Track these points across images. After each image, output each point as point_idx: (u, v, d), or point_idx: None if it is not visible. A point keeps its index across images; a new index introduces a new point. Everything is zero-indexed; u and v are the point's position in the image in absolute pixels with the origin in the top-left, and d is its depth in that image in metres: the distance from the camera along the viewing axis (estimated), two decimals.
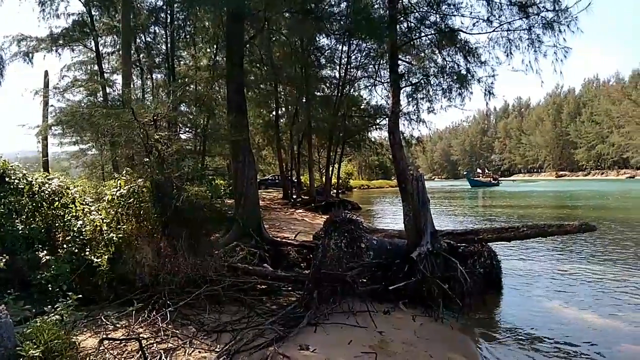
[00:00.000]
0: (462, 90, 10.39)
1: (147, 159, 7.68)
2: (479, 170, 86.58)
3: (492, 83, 9.98)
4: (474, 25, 9.45)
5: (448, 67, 10.38)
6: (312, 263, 7.71)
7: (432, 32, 10.05)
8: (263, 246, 9.77)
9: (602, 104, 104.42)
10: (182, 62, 23.34)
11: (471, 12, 9.48)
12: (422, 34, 10.24)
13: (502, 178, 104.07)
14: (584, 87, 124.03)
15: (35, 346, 3.44)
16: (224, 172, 22.44)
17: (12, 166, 7.57)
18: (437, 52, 10.60)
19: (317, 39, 24.00)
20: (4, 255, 4.01)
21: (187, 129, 13.45)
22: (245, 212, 10.55)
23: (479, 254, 8.45)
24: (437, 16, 9.82)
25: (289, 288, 7.55)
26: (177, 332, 5.28)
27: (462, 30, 9.64)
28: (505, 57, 9.43)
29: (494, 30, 9.29)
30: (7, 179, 7.38)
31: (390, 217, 22.96)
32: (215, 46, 20.26)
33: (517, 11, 9.00)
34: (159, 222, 7.29)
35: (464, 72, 10.06)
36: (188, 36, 20.82)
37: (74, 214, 7.49)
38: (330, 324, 5.79)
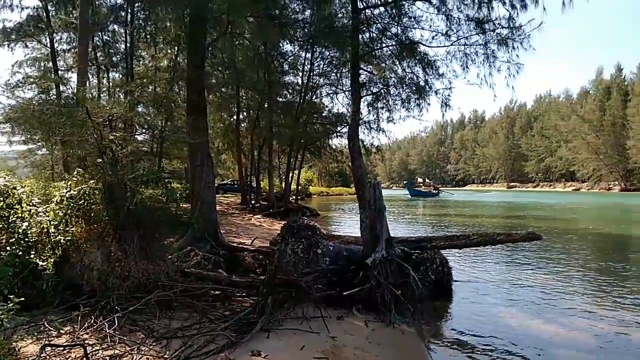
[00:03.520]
0: (420, 101, 10.76)
1: (100, 160, 7.46)
2: (419, 180, 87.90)
3: (448, 95, 10.39)
4: (433, 38, 9.79)
5: (407, 78, 10.70)
6: (268, 268, 7.68)
7: (393, 43, 10.32)
8: (218, 251, 9.64)
9: (552, 119, 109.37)
10: (141, 62, 22.80)
11: (431, 26, 9.83)
12: (384, 45, 10.49)
13: (454, 188, 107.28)
14: (535, 102, 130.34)
15: None
16: (181, 176, 22.03)
17: None
18: (397, 63, 10.88)
19: (281, 45, 24.10)
20: None
21: (144, 131, 13.11)
22: (202, 216, 10.37)
23: (432, 260, 8.67)
24: (399, 28, 10.09)
25: (244, 294, 7.44)
26: (125, 338, 5.12)
27: (421, 43, 9.95)
28: (461, 71, 9.86)
29: (451, 44, 9.66)
30: None
31: (348, 223, 23.14)
32: (176, 47, 19.87)
33: (474, 27, 9.35)
34: (110, 225, 7.07)
35: (422, 83, 10.37)
36: (149, 36, 20.38)
37: (20, 215, 7.15)
38: (284, 330, 5.79)
